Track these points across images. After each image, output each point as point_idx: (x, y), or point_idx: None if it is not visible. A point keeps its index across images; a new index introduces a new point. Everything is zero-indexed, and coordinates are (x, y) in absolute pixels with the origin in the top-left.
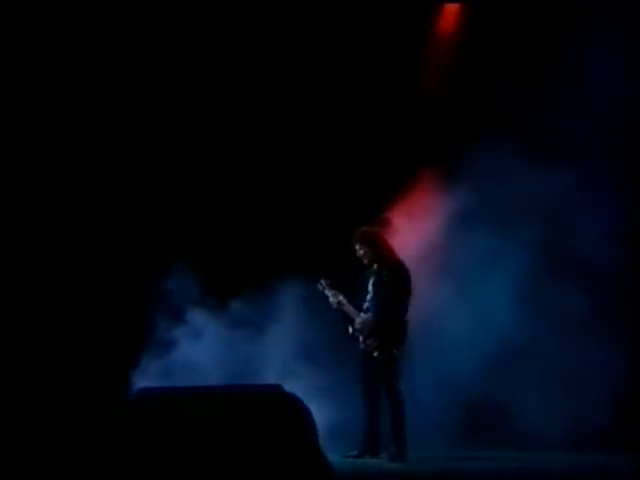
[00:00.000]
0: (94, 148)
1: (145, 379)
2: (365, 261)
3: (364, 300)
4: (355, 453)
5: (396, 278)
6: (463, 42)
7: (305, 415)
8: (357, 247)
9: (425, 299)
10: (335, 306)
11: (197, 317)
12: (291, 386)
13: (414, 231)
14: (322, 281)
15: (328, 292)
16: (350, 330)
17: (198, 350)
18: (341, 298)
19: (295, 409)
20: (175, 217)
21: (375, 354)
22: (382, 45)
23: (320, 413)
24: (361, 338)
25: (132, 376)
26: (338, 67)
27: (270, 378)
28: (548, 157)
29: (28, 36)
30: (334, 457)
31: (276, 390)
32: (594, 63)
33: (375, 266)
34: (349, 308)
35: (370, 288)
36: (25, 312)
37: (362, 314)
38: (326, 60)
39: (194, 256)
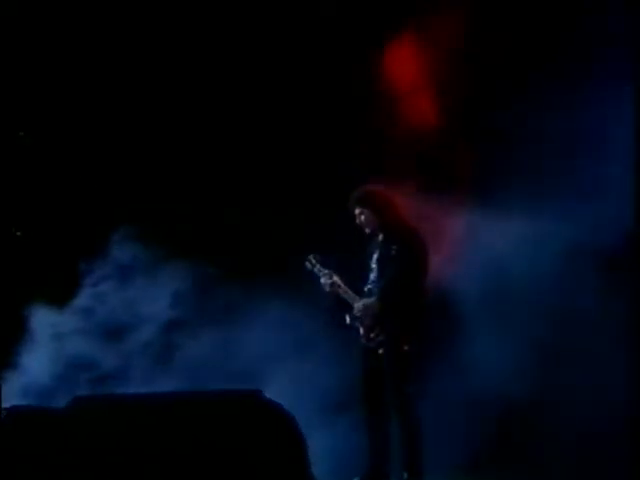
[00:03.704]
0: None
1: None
2: (367, 230)
3: (366, 281)
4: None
5: (409, 251)
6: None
7: (290, 425)
8: (357, 211)
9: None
10: (328, 288)
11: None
12: (269, 389)
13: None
14: (312, 257)
15: (319, 271)
16: (347, 319)
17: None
18: (336, 279)
19: (278, 418)
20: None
21: (380, 351)
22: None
23: (311, 426)
24: (362, 330)
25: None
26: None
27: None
28: None
29: (28, 36)
30: None
31: (255, 396)
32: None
33: (381, 236)
34: (346, 291)
35: (374, 265)
36: None
37: (363, 299)
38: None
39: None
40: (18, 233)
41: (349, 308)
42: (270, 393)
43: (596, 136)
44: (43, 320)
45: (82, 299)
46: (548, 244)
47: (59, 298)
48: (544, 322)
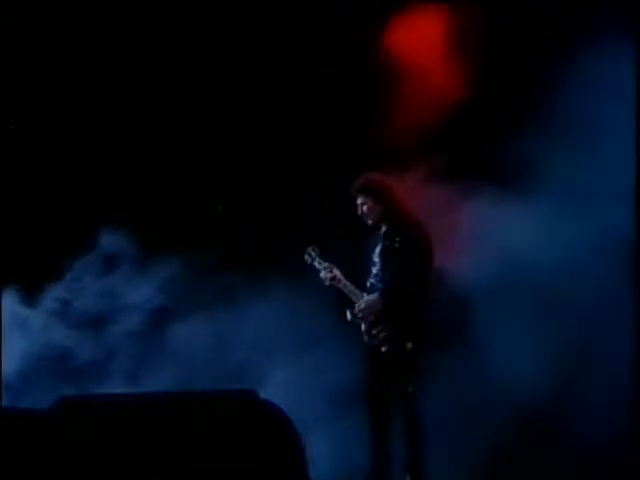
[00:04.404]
0: None
1: None
2: (370, 221)
3: (368, 275)
4: None
5: (413, 244)
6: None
7: (286, 427)
8: (359, 201)
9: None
10: (328, 283)
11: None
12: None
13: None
14: (311, 250)
15: (319, 264)
16: (348, 315)
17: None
18: (336, 272)
19: (273, 419)
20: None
21: (383, 349)
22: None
23: (306, 431)
24: (364, 327)
25: None
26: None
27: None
28: None
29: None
30: None
31: (250, 397)
32: None
33: (384, 228)
34: (347, 286)
35: (376, 258)
36: None
37: (365, 294)
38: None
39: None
40: None
41: (350, 303)
42: (265, 392)
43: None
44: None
45: (64, 291)
46: (567, 236)
47: (39, 289)
48: (561, 318)
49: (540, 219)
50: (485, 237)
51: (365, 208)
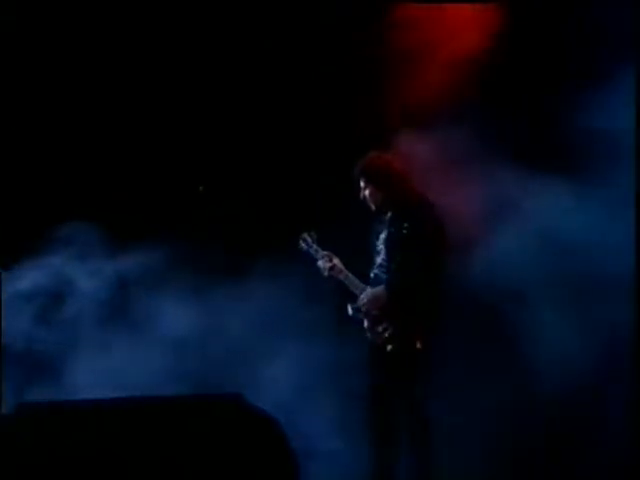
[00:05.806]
0: None
1: None
2: (373, 206)
3: (372, 265)
4: None
5: (423, 231)
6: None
7: (276, 433)
8: (362, 184)
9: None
10: (327, 273)
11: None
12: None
13: None
14: (307, 236)
15: (316, 252)
16: (350, 311)
17: None
18: (336, 262)
19: (262, 425)
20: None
21: (389, 348)
22: None
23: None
24: (366, 323)
25: None
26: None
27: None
28: None
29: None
30: None
31: (236, 401)
32: None
33: (390, 214)
34: (348, 277)
35: (381, 246)
36: None
37: (368, 287)
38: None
39: None
40: None
41: (352, 297)
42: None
43: None
44: None
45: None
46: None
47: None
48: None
49: (575, 201)
50: (511, 220)
51: (367, 192)
